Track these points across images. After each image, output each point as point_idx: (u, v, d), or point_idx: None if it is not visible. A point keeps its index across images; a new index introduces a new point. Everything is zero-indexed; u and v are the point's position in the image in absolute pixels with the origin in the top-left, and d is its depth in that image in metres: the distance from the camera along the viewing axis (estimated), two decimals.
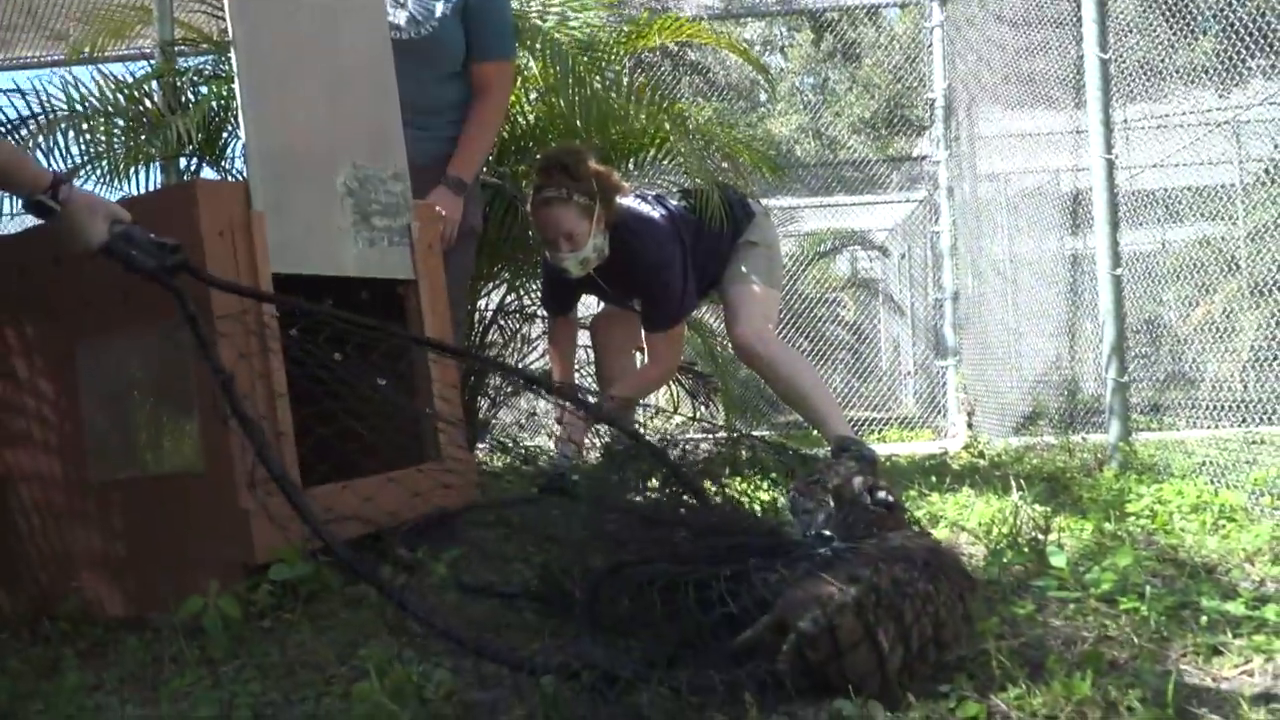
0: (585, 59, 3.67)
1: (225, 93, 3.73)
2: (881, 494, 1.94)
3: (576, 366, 4.23)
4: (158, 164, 3.85)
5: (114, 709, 1.71)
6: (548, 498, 2.82)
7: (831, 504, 1.90)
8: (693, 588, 1.60)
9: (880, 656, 1.51)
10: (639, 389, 3.83)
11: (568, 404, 2.97)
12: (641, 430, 3.23)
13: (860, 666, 1.51)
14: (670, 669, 1.51)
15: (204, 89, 3.93)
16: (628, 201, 3.54)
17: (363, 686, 1.47)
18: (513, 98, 3.82)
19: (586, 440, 3.42)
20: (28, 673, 1.95)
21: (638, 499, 2.46)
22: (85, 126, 3.62)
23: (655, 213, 3.56)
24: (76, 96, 3.60)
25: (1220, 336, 3.82)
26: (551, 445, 3.61)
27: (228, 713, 1.59)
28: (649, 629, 1.65)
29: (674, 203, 3.65)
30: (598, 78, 3.72)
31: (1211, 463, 3.21)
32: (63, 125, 3.56)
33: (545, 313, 4.00)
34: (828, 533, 1.84)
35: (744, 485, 2.85)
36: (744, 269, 3.65)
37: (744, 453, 3.22)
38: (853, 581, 1.54)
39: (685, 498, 2.40)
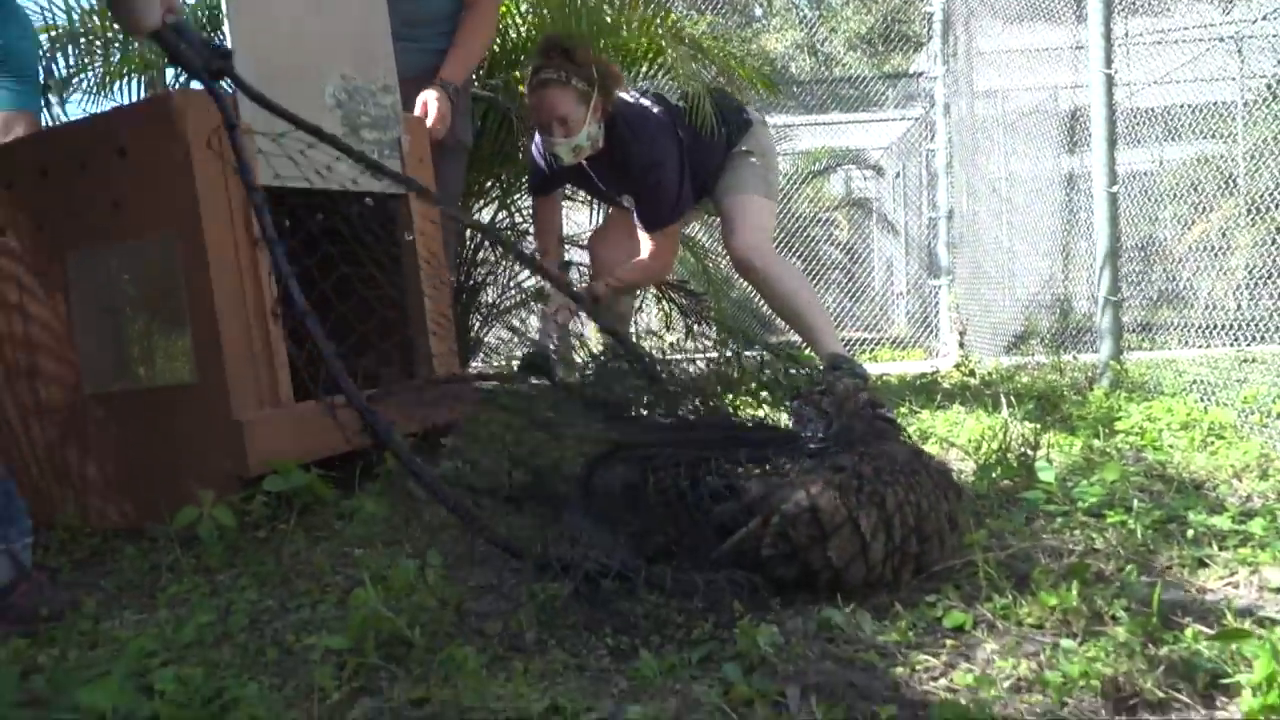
0: None
1: (212, 2, 3.66)
2: (882, 409, 1.96)
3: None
4: (143, 77, 3.79)
5: (112, 615, 1.74)
6: (530, 378, 2.79)
7: (832, 415, 1.91)
8: (684, 469, 1.61)
9: (863, 541, 1.53)
10: (636, 278, 3.77)
11: (558, 284, 2.95)
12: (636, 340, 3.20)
13: (843, 550, 1.53)
14: (656, 565, 1.53)
15: None
16: (627, 97, 3.45)
17: (359, 593, 1.48)
18: (503, 9, 3.74)
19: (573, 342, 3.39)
20: None
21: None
22: (81, 30, 3.56)
23: (654, 110, 3.48)
24: None
25: (1215, 256, 3.80)
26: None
27: (224, 619, 1.61)
28: (640, 516, 1.66)
29: (673, 102, 3.55)
30: None
31: (1202, 381, 3.21)
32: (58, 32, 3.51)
33: (530, 198, 3.89)
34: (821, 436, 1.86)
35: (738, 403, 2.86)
36: (740, 179, 3.57)
37: (735, 372, 3.20)
38: (836, 471, 1.57)
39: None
